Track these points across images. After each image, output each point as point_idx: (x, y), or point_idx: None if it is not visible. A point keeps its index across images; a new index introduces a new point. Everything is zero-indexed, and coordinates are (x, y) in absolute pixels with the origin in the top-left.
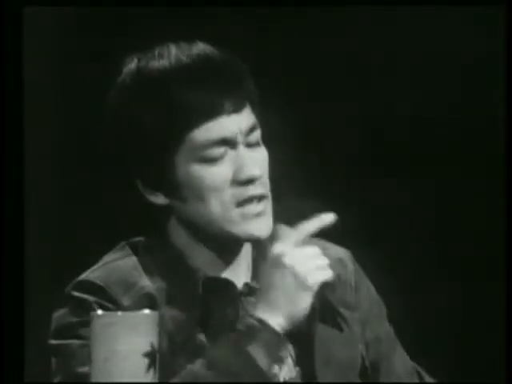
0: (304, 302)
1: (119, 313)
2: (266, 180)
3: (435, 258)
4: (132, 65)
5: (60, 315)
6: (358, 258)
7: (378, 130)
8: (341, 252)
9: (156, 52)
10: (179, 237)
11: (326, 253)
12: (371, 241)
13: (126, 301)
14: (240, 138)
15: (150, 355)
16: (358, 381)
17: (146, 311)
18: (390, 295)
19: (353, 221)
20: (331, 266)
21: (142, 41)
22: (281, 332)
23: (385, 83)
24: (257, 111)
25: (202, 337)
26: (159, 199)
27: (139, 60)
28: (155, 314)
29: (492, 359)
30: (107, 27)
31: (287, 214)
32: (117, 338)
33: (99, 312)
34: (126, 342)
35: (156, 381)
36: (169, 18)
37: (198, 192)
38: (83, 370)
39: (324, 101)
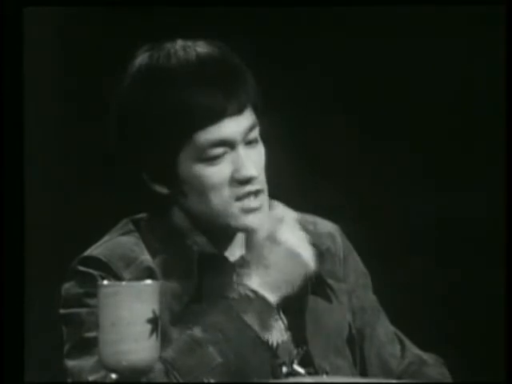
0: (298, 280)
1: (123, 282)
2: (262, 176)
3: (435, 260)
4: (142, 61)
5: (68, 287)
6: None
7: (378, 129)
8: (330, 226)
9: (165, 51)
10: (180, 220)
11: (316, 227)
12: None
13: (127, 275)
14: (239, 138)
15: (153, 321)
16: (345, 346)
17: (148, 281)
18: (389, 295)
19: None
20: (322, 240)
21: (142, 41)
22: (273, 303)
23: (384, 83)
24: (258, 111)
25: (197, 306)
26: (163, 190)
27: (149, 57)
28: (156, 283)
29: (492, 359)
30: (107, 27)
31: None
32: (121, 305)
33: (105, 282)
34: (130, 309)
35: (159, 344)
36: (169, 18)
37: (199, 189)
38: (90, 334)
39: (324, 100)
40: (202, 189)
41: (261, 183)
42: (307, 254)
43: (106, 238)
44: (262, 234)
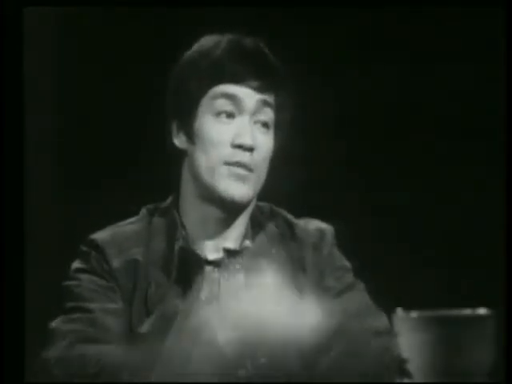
0: None
1: None
2: (258, 157)
3: (435, 263)
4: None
5: (72, 265)
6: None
7: (378, 130)
8: (319, 223)
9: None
10: (188, 208)
11: (307, 224)
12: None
13: (116, 263)
14: (250, 107)
15: None
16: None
17: None
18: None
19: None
20: (310, 234)
21: (143, 41)
22: None
23: (385, 83)
24: (280, 110)
25: (176, 300)
26: (182, 142)
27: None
28: None
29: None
30: (107, 27)
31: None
32: None
33: None
34: None
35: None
36: (169, 19)
37: (204, 143)
38: (71, 304)
39: (324, 100)
40: (206, 143)
41: (253, 161)
42: None
43: (118, 223)
44: None
